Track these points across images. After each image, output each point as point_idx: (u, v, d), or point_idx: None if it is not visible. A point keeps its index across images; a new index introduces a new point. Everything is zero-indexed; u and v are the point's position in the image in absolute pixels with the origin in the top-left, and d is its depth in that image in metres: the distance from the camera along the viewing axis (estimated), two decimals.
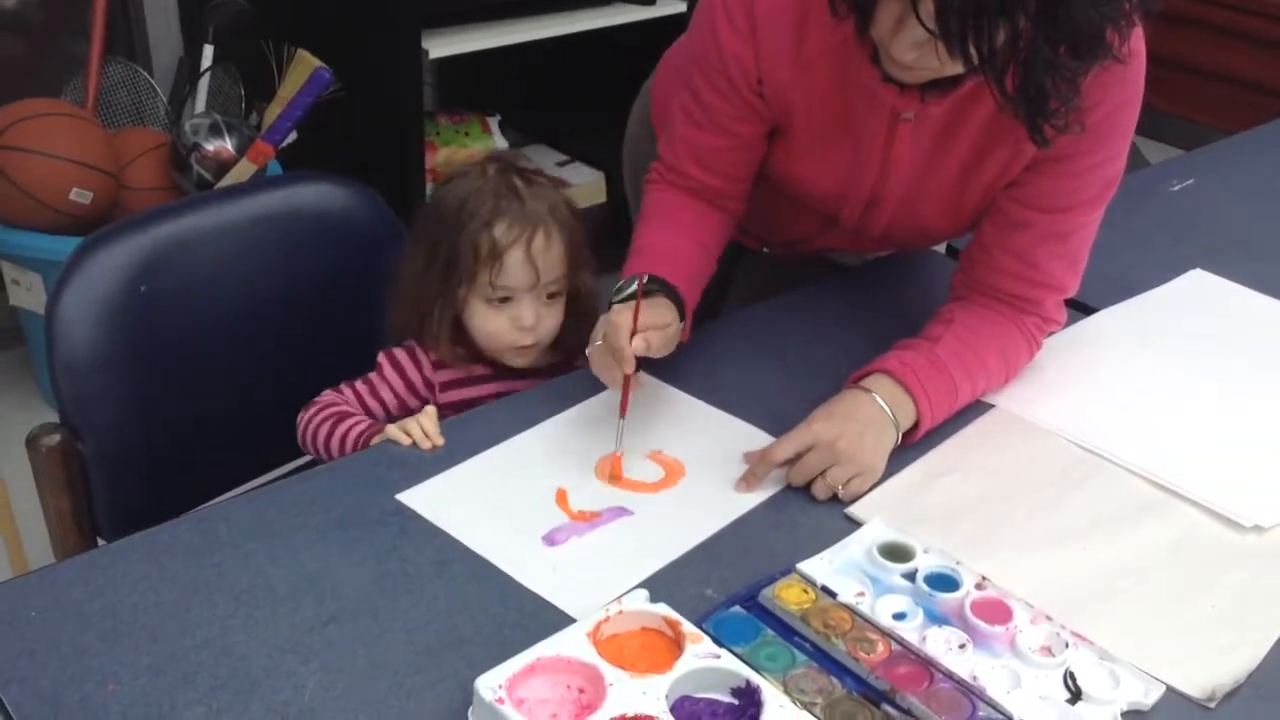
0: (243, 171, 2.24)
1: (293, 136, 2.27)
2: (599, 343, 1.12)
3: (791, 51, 1.14)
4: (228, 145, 2.27)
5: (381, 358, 1.26)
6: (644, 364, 1.11)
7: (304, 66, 2.26)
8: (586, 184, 2.84)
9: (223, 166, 2.25)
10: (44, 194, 2.14)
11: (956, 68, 1.00)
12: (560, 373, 1.27)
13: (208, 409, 1.30)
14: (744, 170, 1.26)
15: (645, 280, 1.13)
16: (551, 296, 1.22)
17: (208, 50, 2.39)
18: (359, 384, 1.26)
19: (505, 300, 1.19)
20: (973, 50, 0.93)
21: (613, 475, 1.10)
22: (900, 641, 0.91)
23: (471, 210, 1.18)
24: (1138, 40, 1.05)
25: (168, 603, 0.91)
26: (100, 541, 1.23)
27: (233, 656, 0.87)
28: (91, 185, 2.17)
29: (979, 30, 0.92)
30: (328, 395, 1.25)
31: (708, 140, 1.22)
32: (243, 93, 2.49)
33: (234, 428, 1.31)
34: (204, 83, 2.39)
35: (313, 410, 1.22)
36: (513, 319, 1.20)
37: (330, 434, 1.19)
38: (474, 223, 1.17)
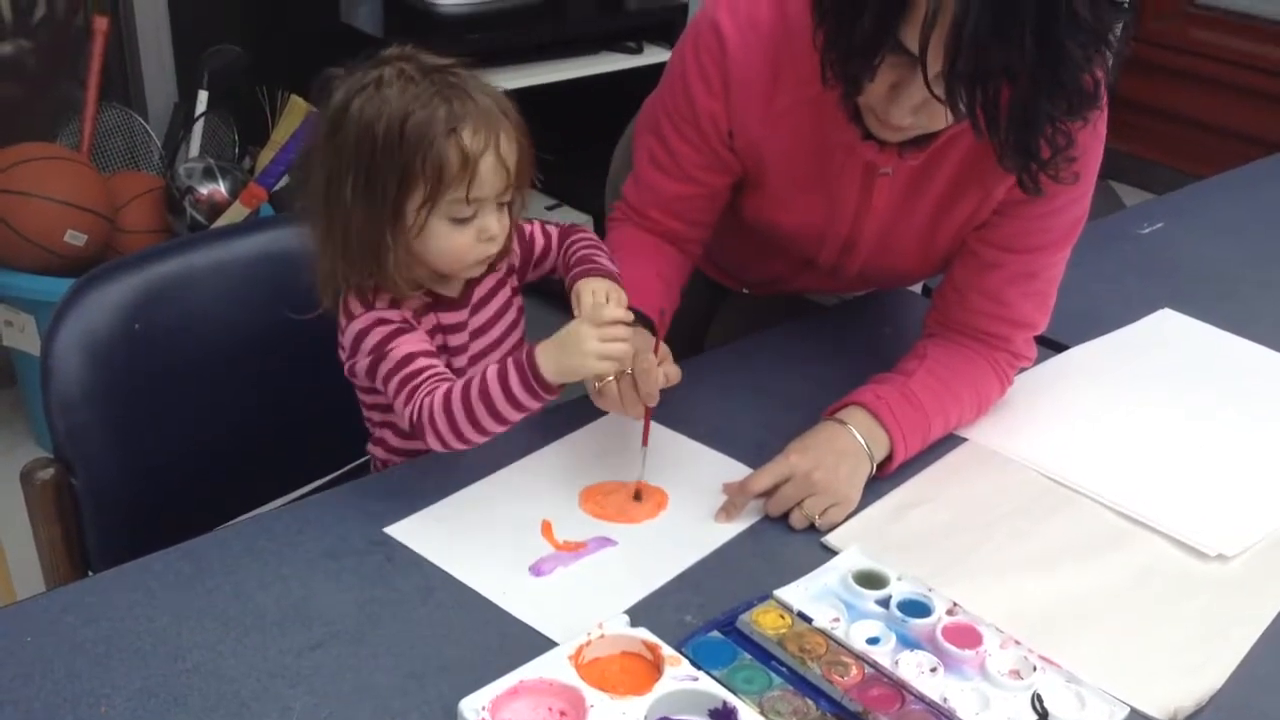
0: (236, 214, 2.28)
1: (285, 180, 2.32)
2: (611, 379, 1.08)
3: (763, 106, 1.17)
4: (221, 188, 2.31)
5: (378, 329, 1.08)
6: None
7: (297, 111, 2.31)
8: None
9: (216, 209, 2.29)
10: (38, 236, 2.17)
11: (949, 123, 1.04)
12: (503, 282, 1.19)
13: (199, 445, 1.32)
14: (706, 217, 1.29)
15: (639, 314, 1.15)
16: (504, 205, 1.09)
17: (202, 95, 2.44)
18: (411, 363, 1.08)
19: (469, 217, 1.06)
20: (978, 112, 0.96)
21: (639, 496, 1.13)
22: (873, 665, 0.94)
23: (423, 122, 1.02)
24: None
25: (159, 628, 0.93)
26: (91, 574, 1.24)
27: (222, 680, 0.89)
28: (86, 227, 2.21)
29: (984, 93, 0.95)
30: (437, 395, 1.05)
31: (673, 187, 1.25)
32: (236, 137, 2.53)
33: (225, 464, 1.33)
34: (198, 127, 2.43)
35: (435, 403, 1.05)
36: (478, 232, 1.07)
37: (476, 398, 1.04)
38: (434, 137, 1.02)
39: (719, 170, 1.24)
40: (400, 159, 1.03)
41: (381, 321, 1.09)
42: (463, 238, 1.07)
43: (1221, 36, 3.67)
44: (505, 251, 1.14)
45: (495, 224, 1.08)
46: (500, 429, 1.06)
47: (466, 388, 1.04)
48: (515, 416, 1.05)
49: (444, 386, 1.06)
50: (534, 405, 1.04)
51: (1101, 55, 0.98)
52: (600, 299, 1.08)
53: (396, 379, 1.08)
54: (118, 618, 0.94)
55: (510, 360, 1.04)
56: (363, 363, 1.10)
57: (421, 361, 1.08)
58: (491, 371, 1.04)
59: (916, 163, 1.16)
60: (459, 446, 1.06)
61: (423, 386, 1.06)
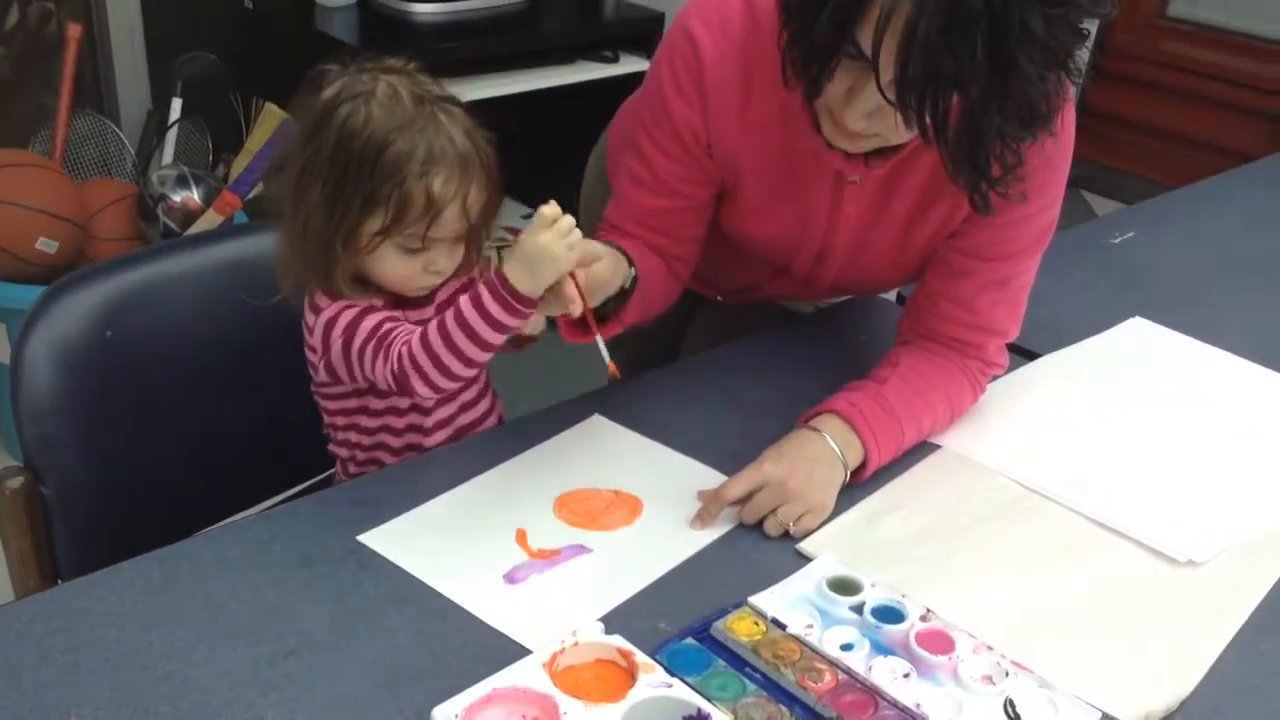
0: (210, 222, 2.27)
1: (259, 188, 2.31)
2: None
3: (737, 115, 1.18)
4: (194, 196, 2.30)
5: (346, 312, 1.10)
6: (606, 407, 1.14)
7: (271, 119, 2.30)
8: None
9: (189, 217, 2.28)
10: (9, 243, 2.15)
11: (904, 136, 1.05)
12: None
13: (171, 453, 1.31)
14: (690, 231, 1.28)
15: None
16: (459, 241, 1.12)
17: (176, 103, 2.43)
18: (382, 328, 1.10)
19: (421, 249, 1.09)
20: (927, 120, 0.97)
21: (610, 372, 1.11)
22: (847, 671, 0.94)
23: (400, 156, 1.04)
24: (1067, 90, 1.10)
25: (129, 637, 0.92)
26: (60, 583, 1.23)
27: (193, 689, 0.88)
28: (58, 235, 2.19)
29: (934, 101, 0.95)
30: (406, 343, 1.07)
31: (655, 203, 1.25)
32: (210, 145, 2.53)
33: (196, 472, 1.33)
34: (172, 135, 2.43)
35: (412, 343, 1.07)
36: (426, 263, 1.10)
37: (454, 328, 1.05)
38: (406, 175, 1.04)
39: (702, 181, 1.24)
40: (369, 184, 1.04)
41: (349, 306, 1.11)
42: (410, 266, 1.10)
43: (1192, 49, 3.71)
44: (467, 267, 1.16)
45: (445, 259, 1.11)
46: (483, 356, 1.07)
47: (442, 322, 1.06)
48: (496, 339, 1.06)
49: (418, 330, 1.07)
50: (511, 323, 1.05)
51: (1058, 77, 0.99)
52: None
53: (370, 345, 1.09)
54: (87, 627, 0.93)
55: (480, 283, 1.05)
56: (336, 348, 1.11)
57: (390, 325, 1.10)
58: (464, 300, 1.05)
59: (883, 171, 1.17)
60: (446, 384, 1.08)
61: (397, 339, 1.08)
